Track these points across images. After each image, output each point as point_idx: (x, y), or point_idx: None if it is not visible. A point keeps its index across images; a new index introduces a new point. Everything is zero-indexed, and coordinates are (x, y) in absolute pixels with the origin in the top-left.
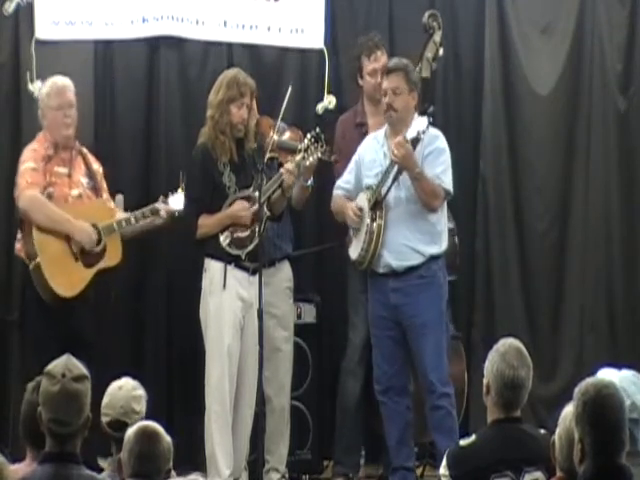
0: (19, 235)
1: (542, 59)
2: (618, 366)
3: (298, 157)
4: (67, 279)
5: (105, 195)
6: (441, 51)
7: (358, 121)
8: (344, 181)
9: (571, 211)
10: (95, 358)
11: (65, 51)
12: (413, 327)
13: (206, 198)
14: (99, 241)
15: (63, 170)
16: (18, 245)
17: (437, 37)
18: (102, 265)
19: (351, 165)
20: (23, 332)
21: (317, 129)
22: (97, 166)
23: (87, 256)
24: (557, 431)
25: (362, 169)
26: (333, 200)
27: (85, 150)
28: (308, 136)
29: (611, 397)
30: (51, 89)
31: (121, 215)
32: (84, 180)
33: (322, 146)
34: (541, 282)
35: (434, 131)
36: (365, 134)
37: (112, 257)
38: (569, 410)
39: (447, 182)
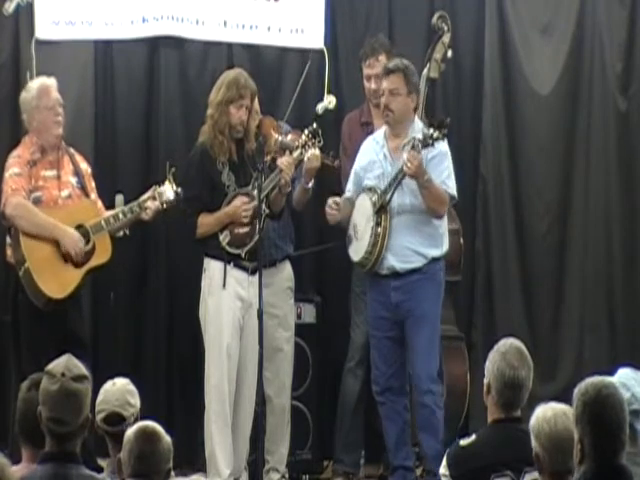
0: (8, 241)
1: (542, 59)
2: (617, 366)
3: (296, 153)
4: (57, 281)
5: (93, 195)
6: (450, 53)
7: (363, 120)
8: (347, 190)
9: (571, 211)
10: (94, 358)
11: (65, 51)
12: (411, 318)
13: (205, 197)
14: (87, 240)
15: (51, 173)
16: (9, 251)
17: (446, 38)
18: (92, 264)
19: (351, 176)
20: (16, 335)
21: (314, 125)
22: (85, 166)
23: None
24: (534, 444)
25: (362, 173)
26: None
27: (72, 150)
28: (305, 132)
29: (611, 397)
30: (38, 91)
31: (109, 212)
32: (73, 180)
33: (320, 142)
34: (541, 282)
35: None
36: (371, 133)
37: (101, 255)
38: (541, 414)
39: (452, 187)
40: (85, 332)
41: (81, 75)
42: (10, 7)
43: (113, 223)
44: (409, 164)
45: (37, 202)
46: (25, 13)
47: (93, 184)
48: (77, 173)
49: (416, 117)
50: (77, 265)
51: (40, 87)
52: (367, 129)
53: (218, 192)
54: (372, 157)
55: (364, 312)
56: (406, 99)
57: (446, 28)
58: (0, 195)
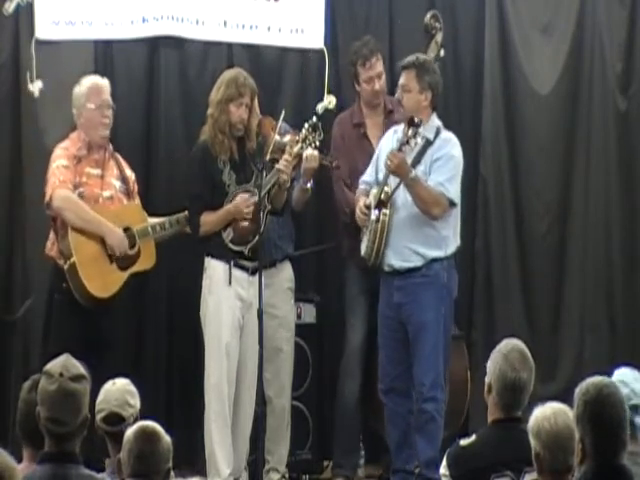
0: (51, 234)
1: (542, 59)
2: (617, 366)
3: (296, 147)
4: (101, 280)
5: (137, 201)
6: (442, 52)
7: (356, 122)
8: (367, 174)
9: (571, 211)
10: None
11: (65, 51)
12: (413, 325)
13: (207, 195)
14: (133, 244)
15: (95, 171)
16: (49, 244)
17: (439, 38)
18: (136, 268)
19: (373, 159)
20: (46, 333)
21: (314, 118)
22: (130, 172)
23: (122, 259)
24: (534, 444)
25: (379, 162)
26: (355, 195)
27: (118, 155)
28: (305, 125)
29: (612, 396)
30: (88, 89)
31: (155, 219)
32: (116, 183)
33: (320, 135)
34: (541, 282)
35: (447, 135)
36: (364, 134)
37: (146, 260)
38: (540, 414)
39: (452, 191)
40: (116, 336)
41: (81, 75)
42: (10, 7)
43: (159, 231)
44: (389, 162)
45: (79, 198)
46: (25, 13)
47: (136, 190)
48: (122, 178)
49: (434, 115)
50: (122, 268)
51: (91, 86)
52: (360, 130)
53: (219, 190)
54: (389, 149)
55: (360, 313)
56: (418, 96)
57: (439, 27)
58: (45, 184)
